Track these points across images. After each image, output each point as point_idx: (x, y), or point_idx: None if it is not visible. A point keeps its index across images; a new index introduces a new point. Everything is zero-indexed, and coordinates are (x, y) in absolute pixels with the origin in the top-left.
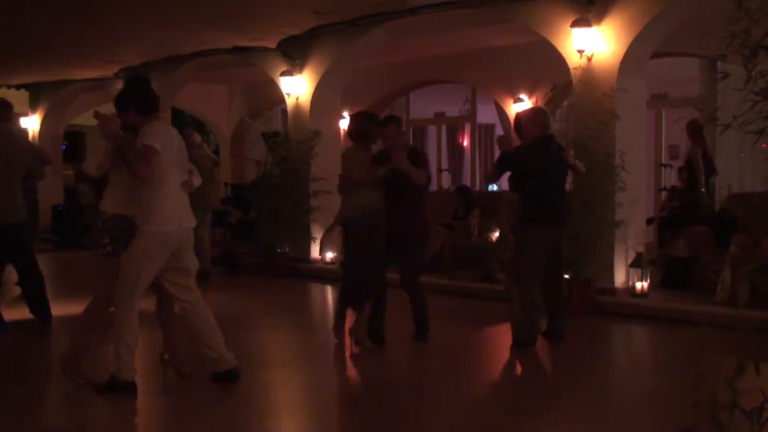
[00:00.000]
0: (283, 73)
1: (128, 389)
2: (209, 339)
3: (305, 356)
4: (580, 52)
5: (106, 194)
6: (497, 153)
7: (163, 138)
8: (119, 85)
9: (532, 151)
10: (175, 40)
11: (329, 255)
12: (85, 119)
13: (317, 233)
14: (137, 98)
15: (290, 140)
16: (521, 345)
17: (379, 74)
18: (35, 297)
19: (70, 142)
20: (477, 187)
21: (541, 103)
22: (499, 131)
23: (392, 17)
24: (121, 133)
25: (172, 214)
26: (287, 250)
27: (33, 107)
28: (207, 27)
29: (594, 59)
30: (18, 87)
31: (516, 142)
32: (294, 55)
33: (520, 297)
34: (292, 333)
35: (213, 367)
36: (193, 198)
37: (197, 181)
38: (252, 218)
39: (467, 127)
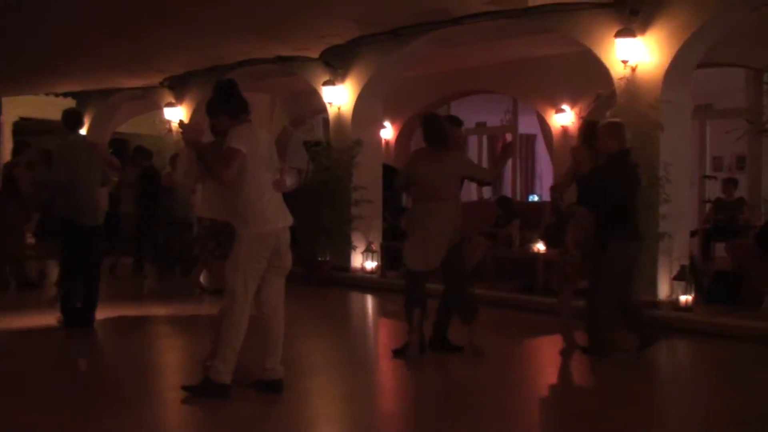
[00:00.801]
0: (325, 83)
1: (221, 393)
2: (271, 348)
3: (346, 364)
4: (624, 62)
5: (202, 199)
6: (539, 164)
7: (248, 140)
8: (164, 93)
9: (614, 166)
10: (220, 50)
11: (370, 264)
12: (130, 127)
13: (358, 242)
14: (225, 103)
15: (332, 149)
16: (598, 357)
17: (421, 84)
18: (90, 299)
19: (115, 150)
20: (518, 197)
21: (584, 114)
22: (540, 142)
23: (435, 27)
24: (201, 141)
25: (268, 215)
26: (328, 258)
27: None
28: (251, 37)
29: (638, 69)
30: (66, 95)
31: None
32: (336, 65)
33: (595, 311)
34: (332, 341)
35: (261, 375)
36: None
37: (290, 180)
38: (293, 226)
39: (508, 138)
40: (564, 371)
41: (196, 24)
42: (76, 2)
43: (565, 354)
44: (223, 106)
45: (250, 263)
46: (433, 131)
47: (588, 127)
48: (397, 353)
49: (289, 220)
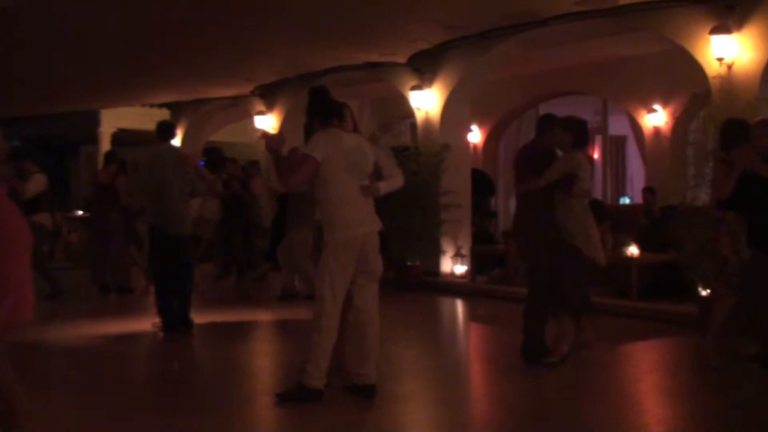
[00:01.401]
0: (413, 88)
1: (314, 397)
2: (366, 353)
3: (437, 370)
4: (720, 60)
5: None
6: (629, 166)
7: (326, 146)
8: (255, 102)
9: None
10: (309, 58)
11: (459, 269)
12: (223, 136)
13: (447, 246)
14: (316, 109)
15: (420, 154)
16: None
17: (509, 87)
18: (183, 306)
19: (208, 159)
20: (608, 200)
21: (677, 114)
22: (631, 143)
23: (523, 29)
24: (280, 150)
25: (352, 220)
26: (417, 263)
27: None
28: (339, 44)
29: (734, 67)
30: (160, 106)
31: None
32: (424, 70)
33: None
34: (422, 346)
35: (354, 380)
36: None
37: (386, 186)
38: (382, 231)
39: (598, 139)
40: (669, 378)
41: (286, 33)
42: (173, 15)
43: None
44: (314, 112)
45: (336, 269)
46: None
47: (734, 126)
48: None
49: (377, 225)
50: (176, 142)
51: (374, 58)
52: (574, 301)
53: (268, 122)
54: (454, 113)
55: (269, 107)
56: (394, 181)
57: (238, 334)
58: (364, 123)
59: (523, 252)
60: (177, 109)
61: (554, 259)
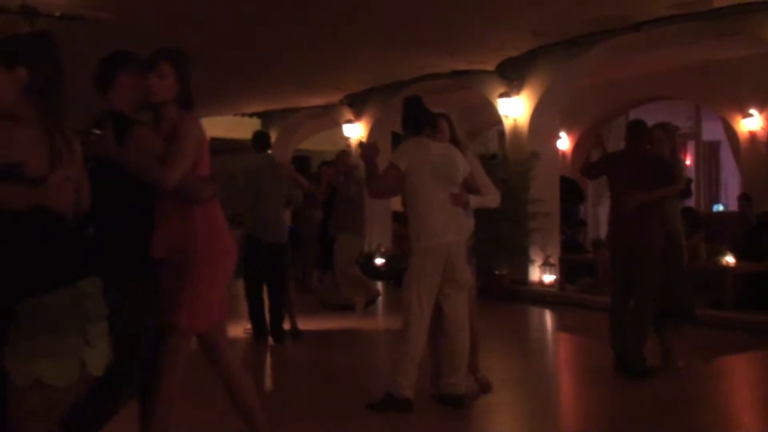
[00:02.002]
0: (501, 95)
1: (404, 407)
2: (456, 363)
3: (527, 380)
4: None
5: None
6: (723, 172)
7: (411, 155)
8: (343, 110)
9: None
10: (396, 67)
11: (548, 278)
12: (311, 144)
13: (536, 255)
14: (406, 118)
15: (508, 162)
16: None
17: (598, 92)
18: (277, 316)
19: (297, 167)
20: (701, 207)
21: None
22: (725, 149)
23: (614, 34)
24: (373, 159)
25: (437, 228)
26: (505, 272)
27: None
28: (427, 52)
29: None
30: (251, 115)
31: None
32: (512, 77)
33: None
34: (511, 356)
35: (444, 389)
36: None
37: (477, 200)
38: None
39: (691, 145)
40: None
41: (375, 42)
42: (265, 27)
43: None
44: (404, 121)
45: (422, 277)
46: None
47: None
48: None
49: (464, 234)
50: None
51: (462, 66)
52: (683, 309)
53: (356, 131)
54: (543, 120)
55: (357, 116)
56: (487, 199)
57: (328, 342)
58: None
59: (631, 261)
60: (267, 117)
61: (665, 266)
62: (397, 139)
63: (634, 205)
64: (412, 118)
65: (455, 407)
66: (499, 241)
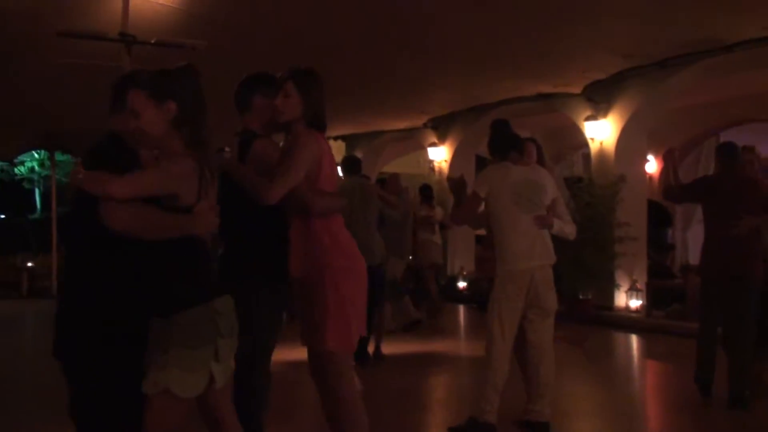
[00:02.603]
0: (587, 118)
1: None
2: (540, 390)
3: (613, 408)
4: None
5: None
6: None
7: (492, 180)
8: (427, 133)
9: None
10: (481, 90)
11: (635, 303)
12: (395, 167)
13: (622, 280)
14: (492, 141)
15: (594, 185)
16: None
17: (688, 115)
18: (364, 338)
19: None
20: None
21: None
22: None
23: (705, 56)
24: (461, 192)
25: (519, 252)
26: (590, 297)
27: None
28: (512, 76)
29: None
30: (336, 138)
31: None
32: (599, 100)
33: None
34: (596, 383)
35: (527, 416)
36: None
37: (560, 225)
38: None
39: None
40: None
41: (459, 66)
42: (351, 53)
43: None
44: (491, 145)
45: (504, 302)
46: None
47: None
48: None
49: (550, 258)
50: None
51: (547, 89)
52: None
53: (440, 154)
54: (630, 143)
55: (441, 139)
56: (567, 227)
57: (410, 366)
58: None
59: (730, 288)
60: (352, 141)
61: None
62: (481, 162)
63: (746, 230)
64: (498, 142)
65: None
66: (583, 265)
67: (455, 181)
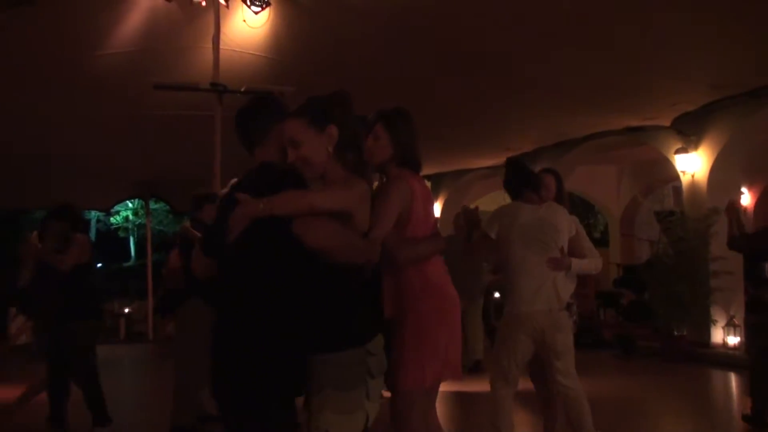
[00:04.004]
0: (677, 151)
1: None
2: (574, 426)
3: None
4: None
5: None
6: None
7: (500, 221)
8: None
9: None
10: (566, 126)
11: (733, 340)
12: (482, 205)
13: (718, 316)
14: (507, 181)
15: (686, 219)
16: None
17: None
18: None
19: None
20: None
21: None
22: None
23: None
24: (476, 224)
25: (525, 296)
26: (685, 333)
27: (435, 194)
28: (599, 111)
29: None
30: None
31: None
32: (689, 132)
33: None
34: (694, 422)
35: None
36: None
37: (581, 264)
38: (646, 299)
39: None
40: None
41: (545, 103)
42: (432, 96)
43: None
44: (506, 185)
45: (507, 343)
46: None
47: None
48: None
49: (558, 302)
50: (436, 210)
51: (635, 122)
52: None
53: None
54: (723, 176)
55: None
56: (591, 263)
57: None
58: (624, 188)
59: None
60: (437, 179)
61: None
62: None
63: None
64: (512, 182)
65: None
66: (677, 301)
67: (469, 212)
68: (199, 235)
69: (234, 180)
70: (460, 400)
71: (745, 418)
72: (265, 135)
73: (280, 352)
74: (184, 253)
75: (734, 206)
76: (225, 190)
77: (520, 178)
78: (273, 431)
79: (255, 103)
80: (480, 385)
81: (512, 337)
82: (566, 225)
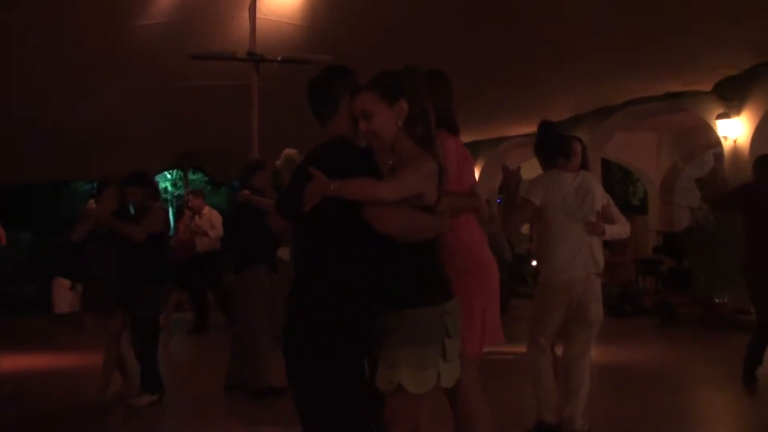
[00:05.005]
0: (719, 116)
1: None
2: (570, 396)
3: (750, 417)
4: None
5: None
6: None
7: (544, 188)
8: None
9: None
10: (606, 92)
11: None
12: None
13: None
14: (538, 146)
15: (728, 185)
16: None
17: None
18: None
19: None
20: None
21: None
22: None
23: None
24: (515, 186)
25: (561, 263)
26: (726, 300)
27: None
28: (638, 77)
29: None
30: None
31: None
32: (731, 97)
33: None
34: (733, 391)
35: (562, 423)
36: None
37: (613, 230)
38: (686, 267)
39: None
40: None
41: (584, 68)
42: (470, 59)
43: None
44: (537, 149)
45: (543, 309)
46: None
47: None
48: None
49: (594, 267)
50: None
51: (676, 87)
52: None
53: None
54: (766, 141)
55: None
56: (621, 228)
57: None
58: (664, 154)
59: None
60: (474, 147)
61: None
62: (606, 165)
63: None
64: (545, 147)
65: None
66: (718, 268)
67: (510, 172)
68: (263, 200)
69: (288, 150)
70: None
71: None
72: (336, 107)
73: (355, 308)
74: (240, 220)
75: (715, 170)
76: (279, 162)
77: (553, 143)
78: (344, 385)
79: (327, 74)
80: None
81: (549, 304)
82: (600, 192)
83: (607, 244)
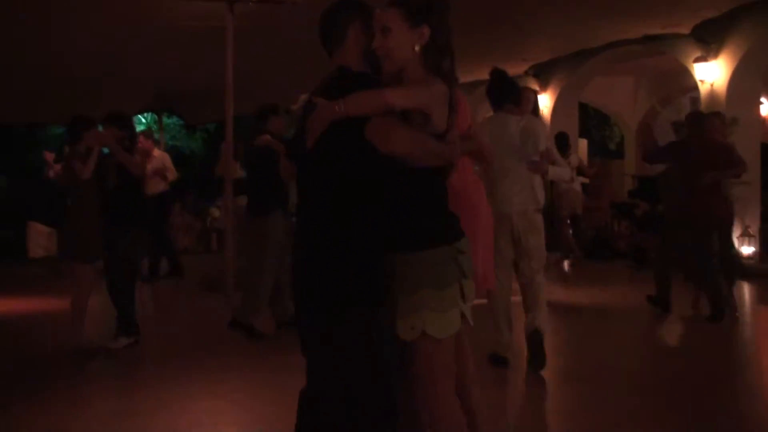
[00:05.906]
0: (696, 59)
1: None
2: (530, 306)
3: (720, 352)
4: None
5: None
6: None
7: (490, 131)
8: (530, 81)
9: None
10: (584, 34)
11: (747, 250)
12: None
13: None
14: (489, 91)
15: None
16: None
17: None
18: None
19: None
20: None
21: None
22: None
23: None
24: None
25: (500, 197)
26: None
27: None
28: (617, 18)
29: None
30: None
31: None
32: (709, 40)
33: None
34: (701, 329)
35: (526, 326)
36: None
37: (555, 171)
38: (660, 211)
39: None
40: None
41: (563, 10)
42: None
43: None
44: (488, 95)
45: (496, 246)
46: None
47: None
48: None
49: (533, 203)
50: None
51: (654, 30)
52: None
53: (542, 101)
54: (743, 85)
55: (543, 86)
56: (562, 171)
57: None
58: (641, 98)
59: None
60: None
61: None
62: (583, 109)
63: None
64: (495, 92)
65: (499, 365)
66: None
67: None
68: (280, 144)
69: (305, 95)
70: None
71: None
72: (343, 38)
73: (365, 250)
74: (258, 165)
75: (650, 127)
76: (296, 106)
77: (503, 89)
78: (355, 331)
79: (338, 4)
80: None
81: (496, 233)
82: (544, 134)
83: (584, 188)
